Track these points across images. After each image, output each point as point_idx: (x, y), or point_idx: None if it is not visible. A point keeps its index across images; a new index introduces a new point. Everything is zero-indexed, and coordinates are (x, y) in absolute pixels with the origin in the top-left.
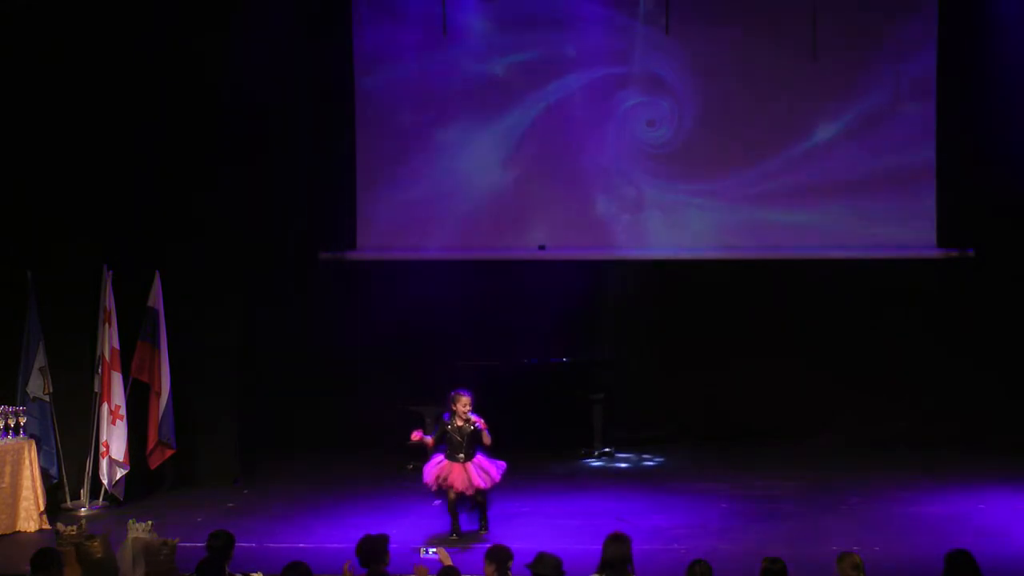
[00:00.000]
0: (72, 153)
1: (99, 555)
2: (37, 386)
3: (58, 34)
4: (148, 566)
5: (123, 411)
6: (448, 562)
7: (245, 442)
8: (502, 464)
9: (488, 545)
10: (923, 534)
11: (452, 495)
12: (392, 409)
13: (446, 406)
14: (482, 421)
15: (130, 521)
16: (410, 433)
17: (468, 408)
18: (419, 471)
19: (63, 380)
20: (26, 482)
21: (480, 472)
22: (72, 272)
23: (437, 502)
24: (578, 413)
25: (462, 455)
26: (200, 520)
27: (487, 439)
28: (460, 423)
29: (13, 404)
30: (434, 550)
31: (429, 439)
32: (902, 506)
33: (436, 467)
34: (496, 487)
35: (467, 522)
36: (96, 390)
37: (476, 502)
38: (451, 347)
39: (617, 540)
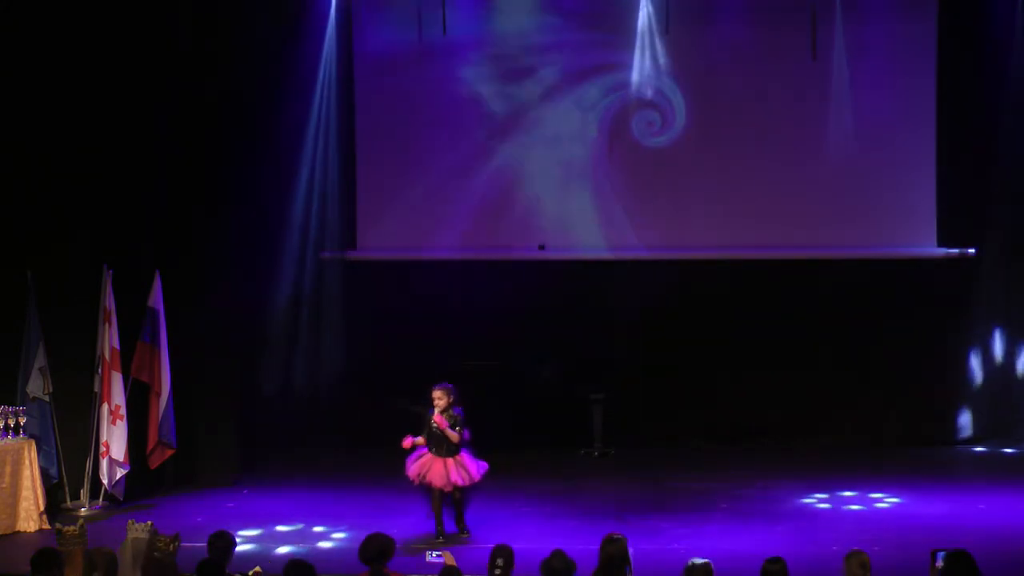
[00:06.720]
0: (72, 153)
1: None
2: (37, 386)
3: (60, 33)
4: (146, 561)
5: (123, 411)
6: (453, 563)
7: (245, 442)
8: (484, 464)
9: (491, 546)
10: (922, 534)
11: (436, 492)
12: (392, 409)
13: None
14: (443, 420)
15: (130, 521)
16: (402, 439)
17: (440, 403)
18: None
19: (63, 380)
20: (26, 482)
21: (459, 469)
22: (72, 272)
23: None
24: (578, 413)
25: (443, 449)
26: (200, 520)
27: (452, 437)
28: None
29: (13, 404)
30: (438, 553)
31: (421, 439)
32: (902, 506)
33: (418, 462)
34: (475, 488)
35: (453, 524)
36: (96, 390)
37: (453, 500)
38: (451, 347)
39: (614, 540)
